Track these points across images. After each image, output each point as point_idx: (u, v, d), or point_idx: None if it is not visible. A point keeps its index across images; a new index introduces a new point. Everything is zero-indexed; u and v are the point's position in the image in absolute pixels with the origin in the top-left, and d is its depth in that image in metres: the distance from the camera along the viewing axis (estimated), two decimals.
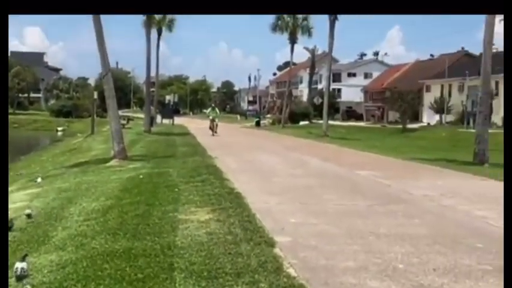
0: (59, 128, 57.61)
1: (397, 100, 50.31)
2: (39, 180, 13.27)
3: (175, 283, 4.85)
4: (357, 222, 7.53)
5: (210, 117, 33.16)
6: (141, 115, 48.88)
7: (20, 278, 5.18)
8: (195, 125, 46.62)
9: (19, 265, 5.24)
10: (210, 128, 32.33)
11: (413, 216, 7.99)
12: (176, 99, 71.16)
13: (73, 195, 10.58)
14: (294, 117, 56.09)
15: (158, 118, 48.90)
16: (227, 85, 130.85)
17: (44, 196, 10.96)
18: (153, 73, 41.15)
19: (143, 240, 6.31)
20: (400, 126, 46.88)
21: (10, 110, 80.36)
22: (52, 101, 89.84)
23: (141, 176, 12.29)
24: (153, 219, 7.46)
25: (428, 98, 57.56)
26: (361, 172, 14.12)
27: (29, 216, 8.48)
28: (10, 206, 9.34)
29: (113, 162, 16.33)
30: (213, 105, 36.73)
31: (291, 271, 5.17)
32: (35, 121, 69.01)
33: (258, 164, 16.04)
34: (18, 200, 10.63)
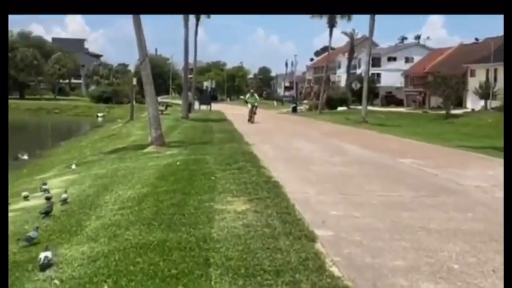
0: (99, 114, 58.28)
1: (440, 85, 48.83)
2: (73, 167, 13.22)
3: (210, 281, 4.53)
4: (403, 216, 7.08)
5: (249, 104, 31.54)
6: (180, 101, 48.91)
7: (44, 268, 4.99)
8: (232, 111, 46.39)
9: (43, 254, 5.06)
10: (249, 116, 30.49)
11: (465, 210, 7.46)
12: (214, 86, 71.08)
13: (109, 182, 10.42)
14: (332, 103, 55.27)
15: (196, 104, 48.89)
16: (264, 71, 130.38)
17: (80, 183, 10.83)
18: (191, 60, 41.06)
19: (178, 232, 6.02)
20: (443, 112, 45.56)
21: (51, 96, 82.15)
22: (92, 87, 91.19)
23: (178, 163, 12.06)
24: (188, 209, 7.17)
25: (473, 83, 55.70)
26: (404, 160, 13.57)
27: (65, 201, 8.36)
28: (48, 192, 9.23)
29: (150, 149, 16.21)
30: (251, 91, 34.27)
31: (335, 270, 4.79)
32: (75, 107, 70.06)
33: (295, 151, 15.64)
34: (54, 187, 10.51)
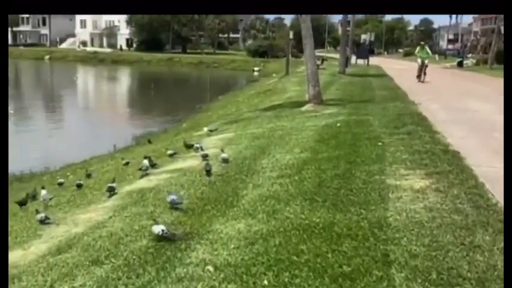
0: (255, 68, 58.99)
1: None
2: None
3: (394, 287, 3.60)
4: None
5: (419, 59, 26.28)
6: (335, 55, 47.61)
7: (163, 238, 4.76)
8: (391, 65, 44.13)
9: (156, 228, 4.84)
10: (419, 72, 25.86)
11: None
12: (372, 39, 68.20)
13: (266, 143, 9.80)
14: (502, 57, 50.10)
15: (353, 58, 47.16)
16: (425, 23, 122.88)
17: (237, 143, 10.35)
18: None
19: (346, 213, 5.14)
20: None
21: (211, 50, 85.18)
22: (249, 41, 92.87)
23: (338, 124, 11.11)
24: (356, 182, 6.24)
25: None
26: None
27: (225, 160, 7.91)
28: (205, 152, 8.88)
29: (307, 107, 15.43)
30: (422, 43, 28.44)
31: None
32: (233, 61, 71.80)
33: (470, 114, 13.82)
34: (211, 146, 10.17)
